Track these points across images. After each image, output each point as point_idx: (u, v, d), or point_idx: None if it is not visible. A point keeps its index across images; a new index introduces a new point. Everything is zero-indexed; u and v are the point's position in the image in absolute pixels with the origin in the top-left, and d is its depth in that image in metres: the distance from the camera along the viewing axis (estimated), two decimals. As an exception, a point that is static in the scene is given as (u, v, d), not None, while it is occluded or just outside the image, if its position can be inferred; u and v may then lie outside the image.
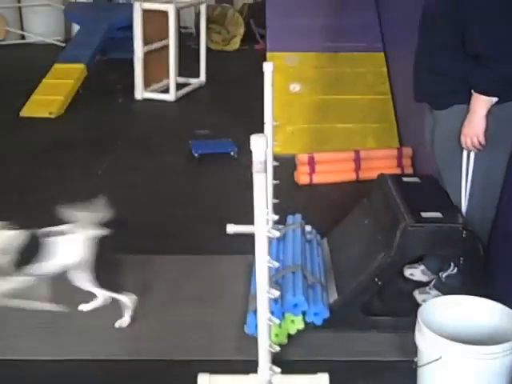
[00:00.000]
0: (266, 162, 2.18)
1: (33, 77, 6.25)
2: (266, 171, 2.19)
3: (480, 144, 2.59)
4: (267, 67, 3.33)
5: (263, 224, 2.21)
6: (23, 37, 9.10)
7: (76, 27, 8.03)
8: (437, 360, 2.00)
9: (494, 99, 2.54)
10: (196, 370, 2.44)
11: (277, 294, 2.31)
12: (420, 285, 2.96)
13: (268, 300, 2.31)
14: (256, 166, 2.16)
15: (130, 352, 2.63)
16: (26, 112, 5.77)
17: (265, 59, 4.63)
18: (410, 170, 4.38)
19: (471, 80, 2.56)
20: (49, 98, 5.90)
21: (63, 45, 8.11)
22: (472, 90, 2.56)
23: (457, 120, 2.62)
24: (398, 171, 4.33)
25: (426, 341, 2.05)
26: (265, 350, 2.35)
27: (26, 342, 2.70)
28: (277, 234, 2.30)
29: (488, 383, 2.02)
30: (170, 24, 6.22)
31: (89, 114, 5.88)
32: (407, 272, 3.06)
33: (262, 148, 2.14)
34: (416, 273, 3.05)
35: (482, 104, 2.55)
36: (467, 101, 2.59)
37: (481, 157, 2.62)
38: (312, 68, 5.32)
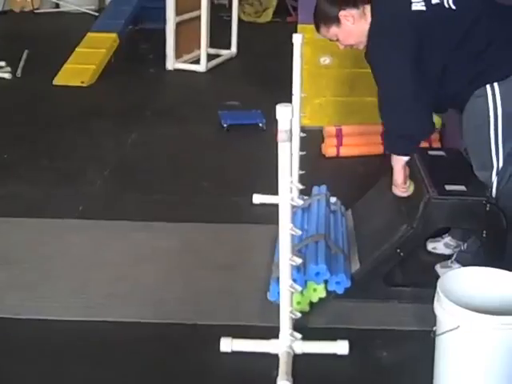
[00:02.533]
0: (291, 132, 2.21)
1: (66, 46, 6.32)
2: (290, 140, 2.23)
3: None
4: (296, 39, 3.36)
5: (287, 192, 2.25)
6: (57, 5, 9.17)
7: (109, -4, 8.08)
8: (455, 329, 2.03)
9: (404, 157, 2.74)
10: (219, 334, 2.50)
11: (299, 261, 2.36)
12: (442, 258, 2.98)
13: (290, 267, 2.36)
14: (281, 134, 2.20)
15: (154, 315, 2.70)
16: (59, 80, 5.84)
17: (296, 32, 4.62)
18: (437, 144, 4.35)
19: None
20: (81, 67, 5.96)
21: (96, 14, 8.16)
22: None
23: (479, 104, 2.61)
24: (425, 145, 4.30)
25: (444, 310, 2.07)
26: (286, 316, 2.40)
27: (54, 302, 2.78)
28: (300, 202, 2.35)
29: (505, 353, 2.04)
30: (202, -6, 6.24)
31: (120, 84, 5.93)
32: (430, 246, 3.08)
33: (287, 117, 2.17)
34: (439, 246, 3.06)
35: (395, 160, 2.76)
36: (485, 82, 2.59)
37: (509, 130, 2.61)
38: (342, 41, 5.28)
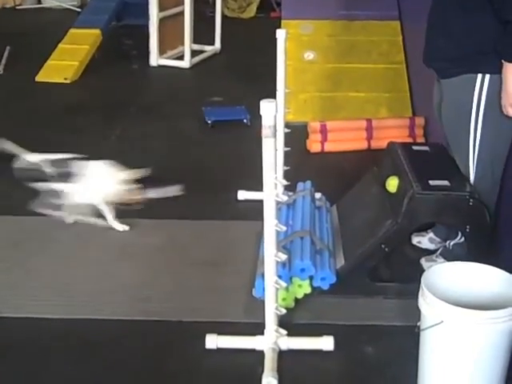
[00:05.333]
0: (275, 127, 2.21)
1: (49, 42, 6.27)
2: (275, 136, 2.22)
3: None
4: (280, 34, 3.35)
5: (272, 188, 2.25)
6: (39, 1, 9.10)
7: (92, -8, 8.03)
8: (438, 324, 2.03)
9: None
10: (204, 330, 2.50)
11: (284, 257, 2.36)
12: (427, 253, 3.00)
13: (275, 263, 2.35)
14: (265, 130, 2.19)
15: (139, 312, 2.69)
16: (42, 77, 5.80)
17: (280, 27, 4.61)
18: (422, 140, 4.38)
19: (499, 48, 2.46)
20: (64, 64, 5.93)
21: (79, 10, 8.11)
22: (502, 60, 2.46)
23: (464, 91, 2.60)
24: (409, 141, 4.33)
25: (428, 305, 2.08)
26: (271, 313, 2.40)
27: (38, 300, 2.76)
28: (285, 198, 2.34)
29: (489, 348, 2.05)
30: (185, -10, 6.21)
31: (104, 80, 5.90)
32: (415, 240, 3.09)
33: (271, 113, 2.17)
34: (423, 241, 3.08)
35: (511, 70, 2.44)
36: (479, 70, 2.57)
37: (488, 125, 2.62)
38: (326, 36, 5.30)
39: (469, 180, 2.74)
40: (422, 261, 2.91)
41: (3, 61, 6.20)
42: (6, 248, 3.16)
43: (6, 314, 2.67)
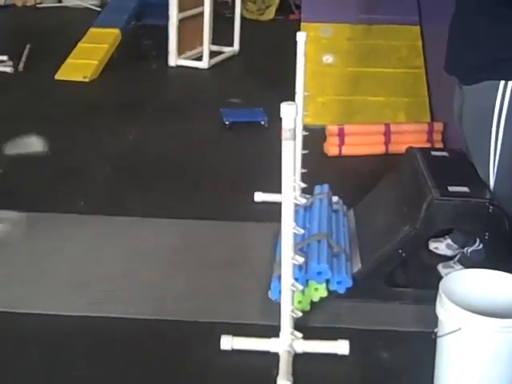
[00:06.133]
0: (295, 130, 2.21)
1: (68, 40, 6.30)
2: (294, 139, 2.22)
3: None
4: (300, 37, 3.34)
5: (290, 190, 2.25)
6: (60, 0, 9.15)
7: (112, -8, 8.07)
8: (456, 331, 2.02)
9: None
10: (219, 332, 2.50)
11: (301, 260, 2.36)
12: (444, 259, 2.98)
13: (292, 266, 2.35)
14: (285, 133, 2.20)
15: (154, 312, 2.69)
16: (61, 75, 5.83)
17: (299, 30, 4.61)
18: (440, 145, 4.35)
19: None
20: (83, 62, 5.95)
21: (99, 9, 8.15)
22: None
23: (486, 97, 2.59)
24: (428, 146, 4.31)
25: (446, 312, 2.07)
26: (287, 315, 2.40)
27: (54, 297, 2.78)
28: (303, 201, 2.34)
29: (507, 356, 2.04)
30: (205, -9, 6.23)
31: (122, 79, 5.93)
32: (432, 246, 3.07)
33: (291, 115, 2.17)
34: (441, 247, 3.06)
35: None
36: (501, 76, 2.56)
37: (510, 131, 2.60)
38: (345, 40, 5.28)
39: (488, 187, 2.73)
40: (440, 267, 2.89)
41: (23, 59, 6.23)
42: (22, 245, 3.18)
43: (21, 310, 2.68)
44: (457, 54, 2.73)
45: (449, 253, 3.02)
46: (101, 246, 3.18)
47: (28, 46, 6.50)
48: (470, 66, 2.66)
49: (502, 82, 2.55)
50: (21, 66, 6.08)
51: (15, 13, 8.61)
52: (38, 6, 8.85)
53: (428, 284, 2.61)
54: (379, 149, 4.37)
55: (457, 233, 3.00)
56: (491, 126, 2.63)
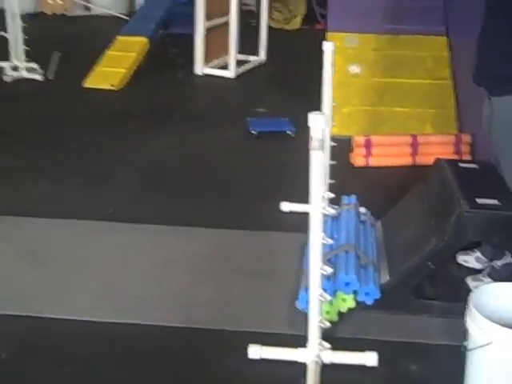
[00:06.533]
0: (323, 140, 2.21)
1: (97, 49, 6.37)
2: (322, 149, 2.23)
3: None
4: (327, 47, 3.34)
5: (319, 201, 2.26)
6: (88, 9, 9.25)
7: (140, 1, 8.15)
8: (487, 345, 2.02)
9: None
10: (247, 341, 2.51)
11: (329, 270, 2.36)
12: (473, 272, 2.96)
13: (320, 276, 2.36)
14: (313, 143, 2.20)
15: (182, 319, 2.71)
16: (89, 83, 5.90)
17: (325, 39, 4.62)
18: (468, 157, 4.33)
19: None
20: (111, 70, 6.01)
21: (127, 18, 8.22)
22: None
23: None
24: (455, 157, 4.30)
25: (476, 325, 2.06)
26: (315, 325, 2.40)
27: (83, 303, 2.81)
28: (332, 211, 2.35)
29: (537, 371, 2.03)
30: (231, 0, 6.26)
31: (149, 87, 5.97)
32: (461, 258, 3.06)
33: (319, 125, 2.17)
34: (470, 260, 3.04)
35: None
36: None
37: None
38: (371, 50, 5.30)
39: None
40: (468, 280, 2.88)
41: (53, 66, 6.31)
42: (54, 250, 3.21)
43: (51, 316, 2.72)
44: (486, 65, 2.73)
45: (478, 266, 3.01)
46: (129, 253, 3.21)
47: (58, 54, 6.58)
48: (499, 77, 2.66)
49: None
50: (50, 74, 6.16)
51: (44, 21, 8.70)
52: (66, 14, 8.95)
53: (456, 297, 2.61)
54: (406, 160, 4.36)
55: (485, 246, 2.99)
56: None
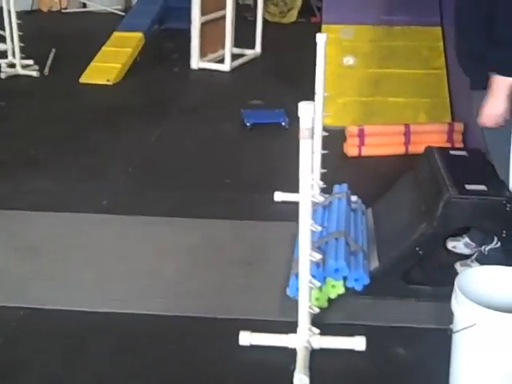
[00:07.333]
0: (312, 129, 2.24)
1: (93, 44, 6.41)
2: (312, 138, 2.26)
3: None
4: (320, 38, 3.38)
5: (308, 188, 2.28)
6: (85, 5, 9.29)
7: (136, -4, 8.18)
8: (471, 326, 2.04)
9: None
10: (238, 328, 2.54)
11: (318, 257, 2.39)
12: (462, 257, 2.99)
13: (309, 263, 2.39)
14: (303, 132, 2.23)
15: (175, 308, 2.74)
16: (85, 78, 5.94)
17: (320, 32, 4.64)
18: (460, 146, 4.35)
19: (488, 60, 2.49)
20: (107, 66, 6.06)
21: (123, 14, 8.25)
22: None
23: None
24: (448, 146, 4.32)
25: (461, 307, 2.09)
26: (304, 311, 2.43)
27: (78, 294, 2.85)
28: (321, 199, 2.37)
29: (521, 352, 2.06)
30: (227, -6, 6.30)
31: (145, 82, 6.02)
32: (450, 244, 3.08)
33: (309, 115, 2.20)
34: (459, 245, 3.07)
35: (500, 85, 2.48)
36: None
37: None
38: (366, 41, 5.30)
39: (506, 185, 2.73)
40: (457, 265, 2.91)
41: (49, 62, 6.35)
42: (49, 243, 3.25)
43: (48, 306, 2.76)
44: (464, 64, 2.76)
45: (467, 251, 3.03)
46: (123, 244, 3.24)
47: (53, 51, 6.62)
48: (475, 74, 2.67)
49: None
50: (46, 70, 6.20)
51: (41, 18, 8.76)
52: (63, 11, 8.99)
53: (445, 281, 2.61)
54: (399, 149, 4.38)
55: (474, 231, 3.01)
56: (510, 127, 2.63)
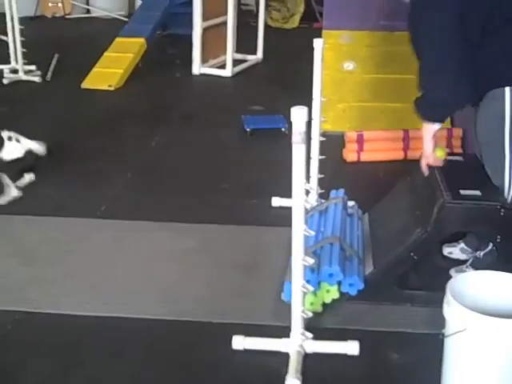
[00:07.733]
0: (305, 133, 2.25)
1: (95, 50, 6.44)
2: (305, 142, 2.26)
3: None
4: (317, 44, 3.40)
5: (301, 193, 2.29)
6: (88, 11, 9.33)
7: (139, 2, 8.22)
8: (461, 331, 2.04)
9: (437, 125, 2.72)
10: (232, 332, 2.55)
11: (311, 261, 2.40)
12: (458, 263, 2.99)
13: (303, 267, 2.39)
14: (295, 136, 2.24)
15: (169, 312, 2.75)
16: (87, 84, 5.96)
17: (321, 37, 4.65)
18: (459, 151, 4.35)
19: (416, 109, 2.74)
20: (109, 71, 6.08)
21: (126, 19, 8.28)
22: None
23: (496, 106, 2.61)
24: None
25: (452, 312, 2.09)
26: (297, 315, 2.44)
27: (72, 298, 2.86)
28: (314, 203, 2.38)
29: (510, 356, 2.06)
30: (229, 0, 6.31)
31: (147, 88, 6.03)
32: (446, 250, 3.08)
33: (302, 119, 2.21)
34: (455, 251, 3.07)
35: (425, 129, 2.76)
36: (506, 83, 2.57)
37: None
38: (366, 47, 5.31)
39: (502, 191, 2.73)
40: (452, 271, 2.91)
41: (51, 68, 6.38)
42: (47, 247, 3.26)
43: (40, 310, 2.77)
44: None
45: (463, 257, 3.03)
46: (119, 248, 3.25)
47: (56, 56, 6.65)
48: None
49: (508, 89, 2.57)
50: (48, 76, 6.23)
51: (45, 23, 8.80)
52: (66, 16, 9.03)
53: (440, 287, 2.61)
54: (398, 155, 4.38)
55: (470, 237, 3.02)
56: (504, 133, 2.64)
